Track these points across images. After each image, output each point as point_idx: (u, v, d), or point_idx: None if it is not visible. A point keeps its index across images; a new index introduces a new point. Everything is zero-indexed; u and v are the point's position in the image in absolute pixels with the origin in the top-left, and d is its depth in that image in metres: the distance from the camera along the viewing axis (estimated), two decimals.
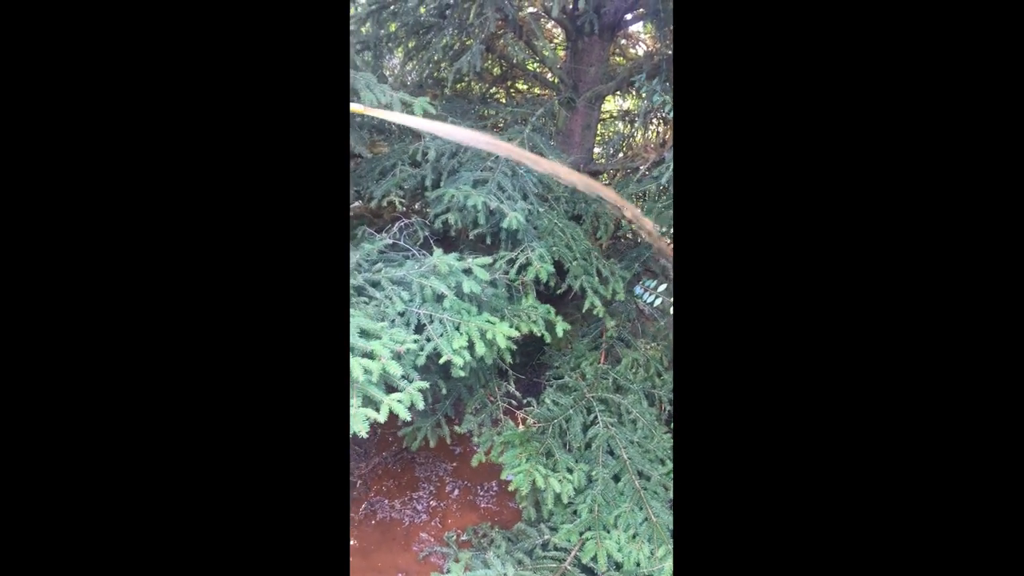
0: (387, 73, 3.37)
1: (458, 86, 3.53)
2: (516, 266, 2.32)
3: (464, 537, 2.46)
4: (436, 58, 3.10)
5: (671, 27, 3.02)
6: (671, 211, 2.58)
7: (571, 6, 2.98)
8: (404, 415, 1.47)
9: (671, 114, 2.41)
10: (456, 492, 2.83)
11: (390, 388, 1.59)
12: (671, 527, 2.07)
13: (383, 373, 1.53)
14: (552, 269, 2.32)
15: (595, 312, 2.45)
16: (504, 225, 2.23)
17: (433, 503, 2.75)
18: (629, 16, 3.11)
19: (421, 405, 1.54)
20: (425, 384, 1.60)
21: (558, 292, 2.56)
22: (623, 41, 3.69)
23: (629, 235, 3.12)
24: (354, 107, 1.15)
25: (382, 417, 1.44)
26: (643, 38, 3.69)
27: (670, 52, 2.95)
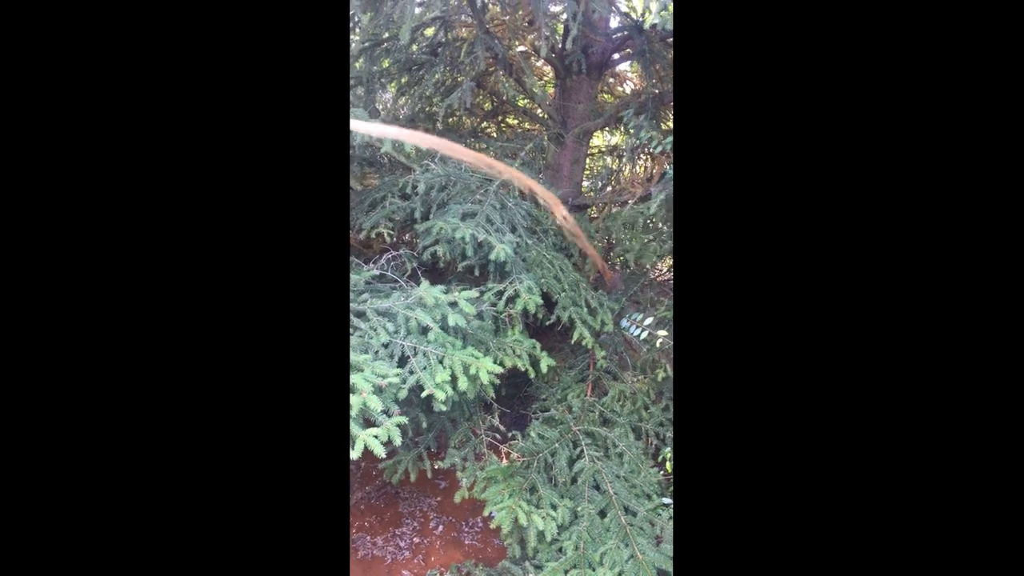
0: (379, 108, 3.44)
1: (449, 121, 3.60)
2: (504, 298, 2.33)
3: (447, 575, 2.40)
4: (428, 93, 3.17)
5: (657, 66, 3.11)
6: (655, 244, 2.61)
7: (560, 46, 3.08)
8: (380, 451, 1.45)
9: (658, 149, 2.46)
10: (440, 528, 2.77)
11: (369, 423, 1.56)
12: (657, 565, 2.03)
13: (363, 408, 1.51)
14: (540, 300, 2.33)
15: (584, 343, 2.45)
16: (492, 257, 2.25)
17: (416, 540, 2.69)
18: (616, 56, 3.21)
19: (399, 441, 1.52)
20: (404, 419, 1.58)
21: (546, 324, 2.56)
22: (611, 79, 3.79)
23: (617, 267, 3.15)
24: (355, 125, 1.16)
25: (356, 453, 1.41)
26: (630, 77, 3.80)
27: (656, 91, 3.03)
